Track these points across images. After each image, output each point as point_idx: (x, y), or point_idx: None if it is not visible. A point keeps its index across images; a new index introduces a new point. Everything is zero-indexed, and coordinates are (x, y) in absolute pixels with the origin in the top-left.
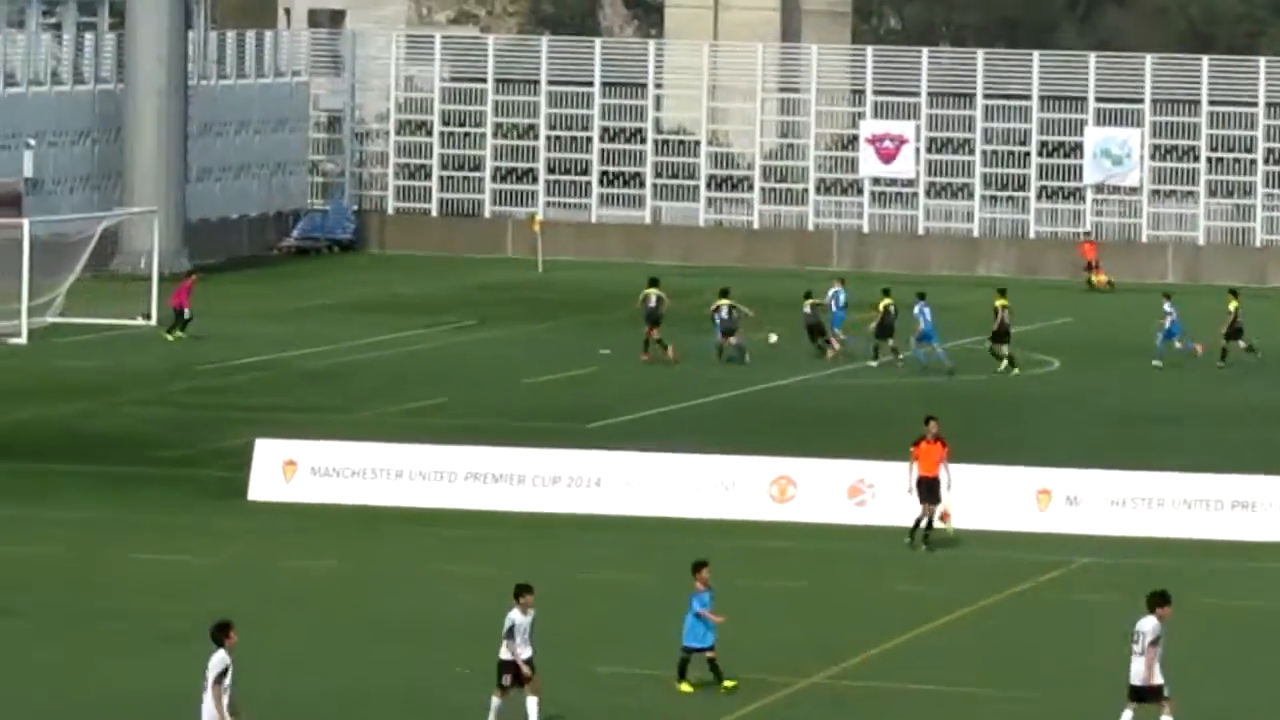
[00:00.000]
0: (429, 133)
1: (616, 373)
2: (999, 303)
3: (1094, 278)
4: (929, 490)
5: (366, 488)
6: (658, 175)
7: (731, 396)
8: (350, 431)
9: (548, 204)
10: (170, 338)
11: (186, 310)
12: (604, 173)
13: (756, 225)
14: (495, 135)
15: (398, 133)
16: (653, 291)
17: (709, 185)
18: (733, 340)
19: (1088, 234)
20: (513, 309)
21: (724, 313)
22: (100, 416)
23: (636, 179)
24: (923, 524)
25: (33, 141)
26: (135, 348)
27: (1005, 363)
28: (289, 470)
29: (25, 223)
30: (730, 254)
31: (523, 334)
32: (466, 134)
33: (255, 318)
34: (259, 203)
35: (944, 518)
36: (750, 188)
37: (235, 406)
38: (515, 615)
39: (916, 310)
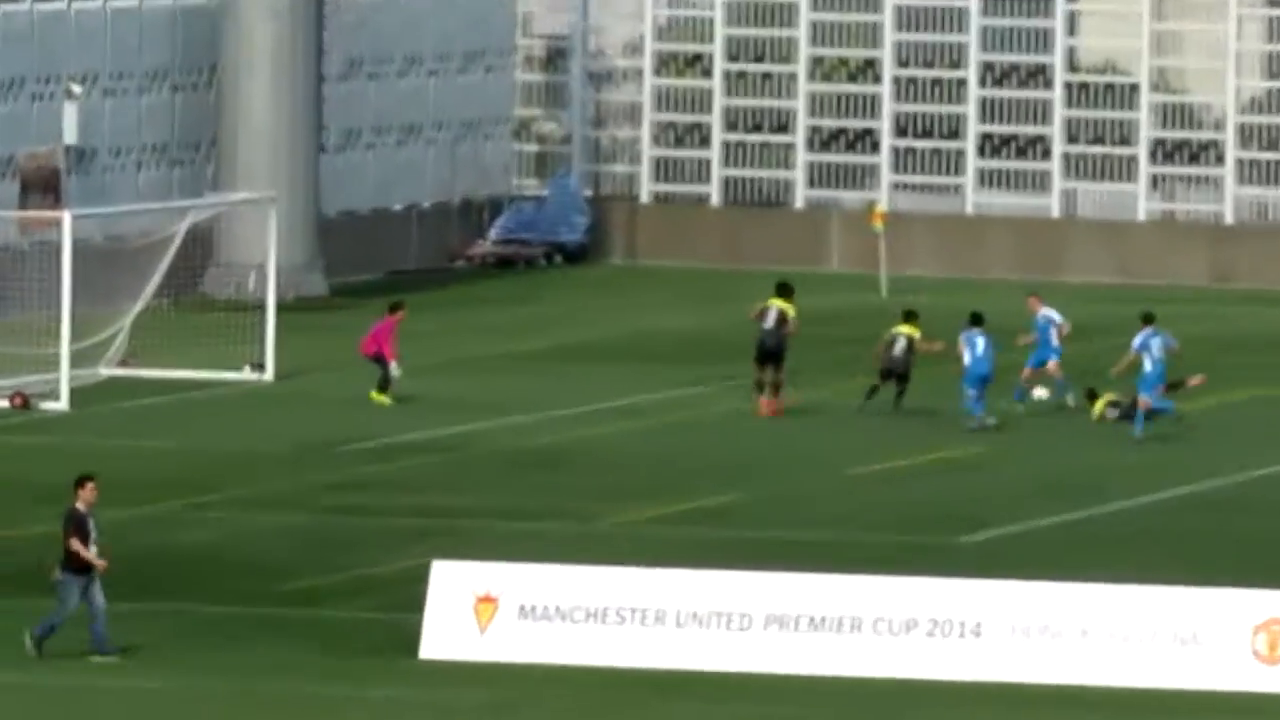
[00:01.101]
0: (706, 73)
1: (1011, 455)
2: None
3: None
4: None
5: (608, 638)
6: (1071, 140)
7: (1184, 494)
8: (581, 549)
9: (895, 186)
10: (383, 399)
11: (393, 363)
12: (985, 136)
13: (1230, 219)
14: (812, 77)
15: (657, 73)
16: (775, 304)
17: (1154, 156)
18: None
19: None
20: (837, 354)
21: (897, 347)
22: (187, 527)
23: (1037, 146)
24: None
25: (77, 88)
26: (241, 416)
27: None
28: (484, 611)
29: (66, 217)
30: (1188, 266)
31: (857, 395)
32: (766, 76)
33: (429, 370)
34: (435, 186)
35: None
36: (1219, 159)
37: (400, 510)
38: None
39: None
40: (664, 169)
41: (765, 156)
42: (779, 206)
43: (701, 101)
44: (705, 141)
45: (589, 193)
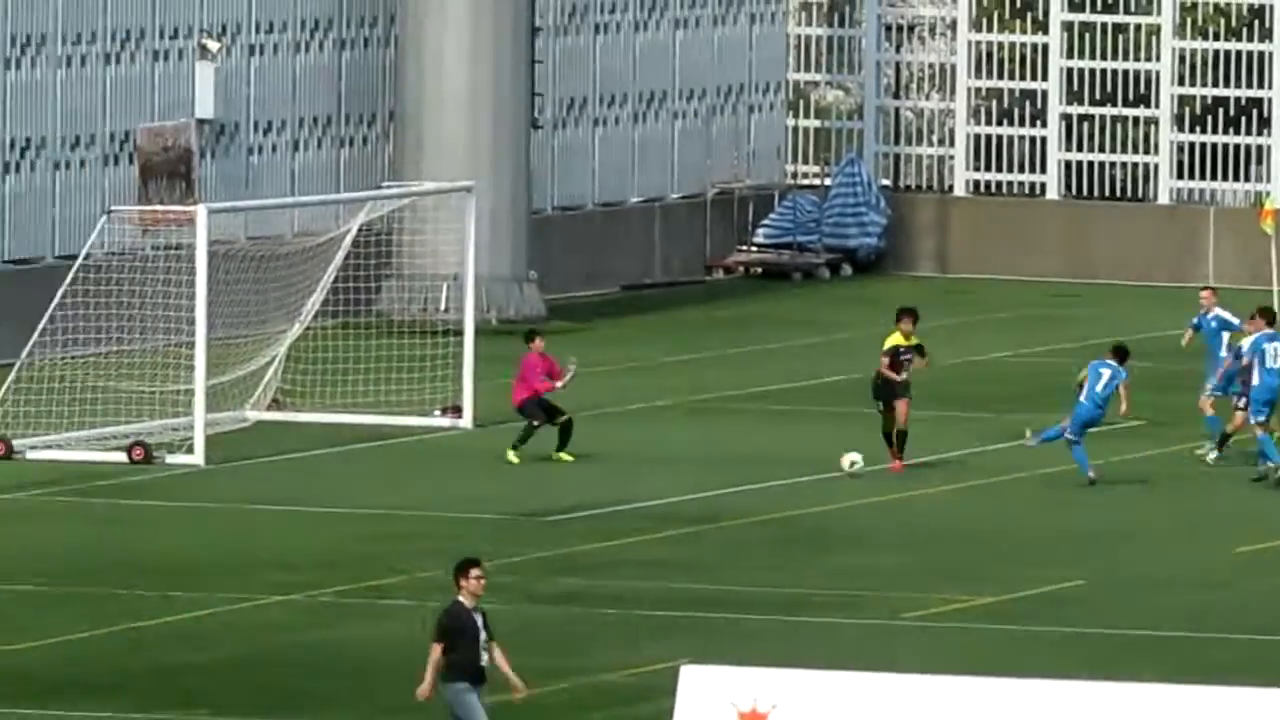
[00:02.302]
0: (1040, 25)
1: None
2: None
3: None
4: None
5: None
6: None
7: None
8: (873, 651)
9: None
10: (512, 457)
11: (561, 381)
12: None
13: None
14: (1181, 31)
15: (975, 25)
16: (900, 338)
17: None
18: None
19: None
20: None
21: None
22: (359, 619)
23: None
24: None
25: (214, 45)
26: (430, 475)
27: None
28: None
29: (200, 212)
30: None
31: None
32: (1119, 29)
33: (669, 413)
34: (684, 175)
35: None
36: None
37: (636, 598)
38: None
39: None
40: (985, 151)
41: (1118, 136)
42: (1136, 201)
43: (1035, 63)
44: (1040, 115)
45: (886, 183)
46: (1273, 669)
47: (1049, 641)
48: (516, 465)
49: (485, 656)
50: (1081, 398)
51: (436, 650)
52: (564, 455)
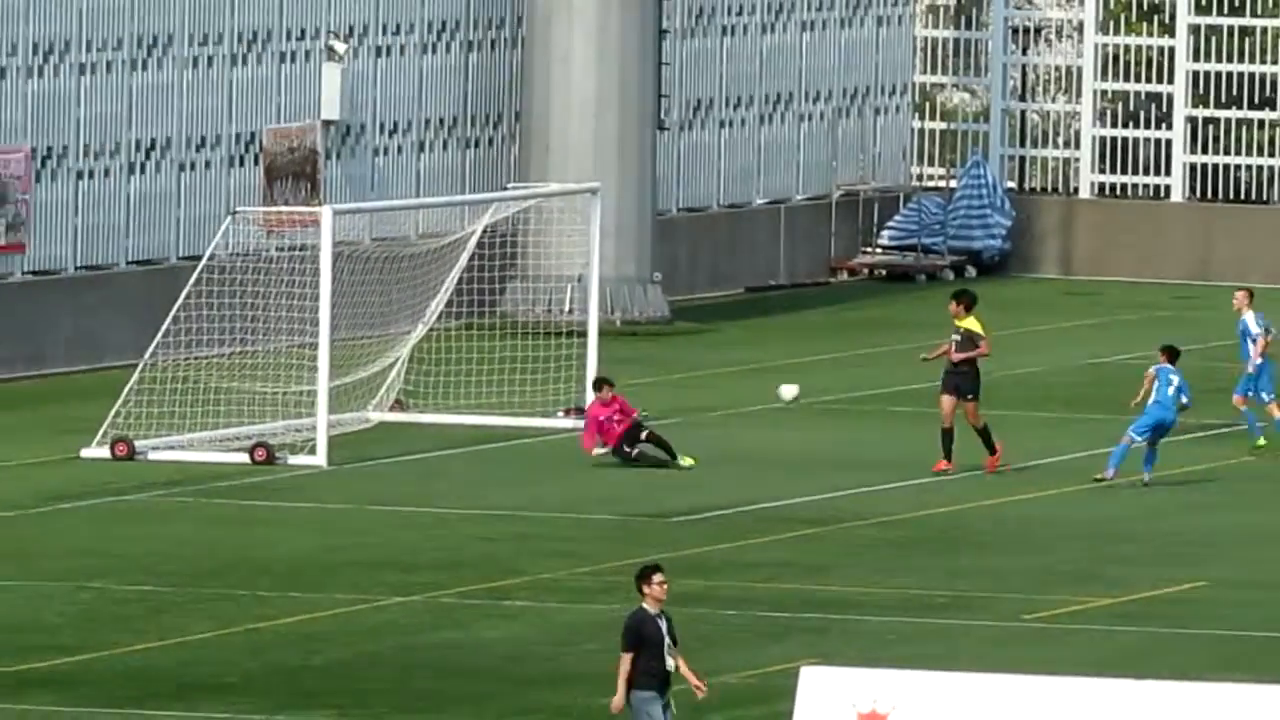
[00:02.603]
0: (1168, 27)
1: None
2: None
3: None
4: None
5: None
6: None
7: None
8: (997, 652)
9: None
10: (686, 462)
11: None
12: None
13: None
14: None
15: (1103, 28)
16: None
17: None
18: None
19: None
20: None
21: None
22: (481, 622)
23: None
24: None
25: (341, 46)
26: (553, 477)
27: None
28: None
29: (325, 213)
30: None
31: None
32: (1246, 31)
33: (786, 415)
34: (809, 176)
35: None
36: None
37: (754, 600)
38: None
39: None
40: (1111, 154)
41: (1244, 139)
42: (1261, 204)
43: (1162, 65)
44: (1166, 118)
45: (1012, 185)
46: None
47: (1170, 643)
48: (690, 467)
49: (671, 662)
50: (1151, 401)
51: (626, 660)
52: (685, 460)
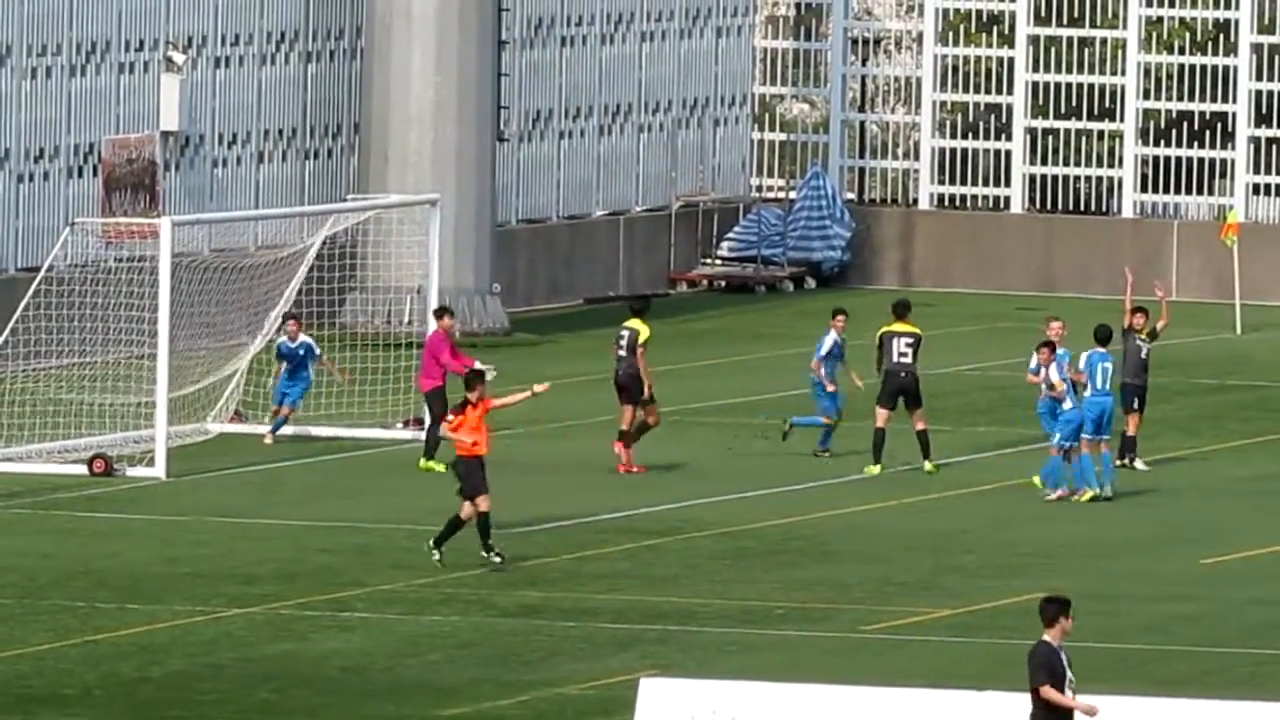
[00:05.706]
0: (1006, 39)
1: None
2: None
3: None
4: None
5: None
6: None
7: None
8: (835, 663)
9: (1254, 189)
10: (431, 465)
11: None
12: None
13: None
14: (1146, 45)
15: (942, 39)
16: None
17: None
18: None
19: None
20: (1182, 407)
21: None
22: (322, 633)
23: None
24: None
25: (180, 57)
26: (391, 487)
27: None
28: None
29: (164, 224)
30: None
31: (1248, 468)
32: (1084, 43)
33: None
34: (648, 188)
35: None
36: None
37: (596, 611)
38: None
39: None
40: (951, 165)
41: (1083, 150)
42: (1101, 215)
43: (1001, 76)
44: (1005, 129)
45: (851, 196)
46: (1233, 683)
47: (1010, 654)
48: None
49: (1070, 695)
50: (1088, 394)
51: (1054, 693)
52: (434, 464)
